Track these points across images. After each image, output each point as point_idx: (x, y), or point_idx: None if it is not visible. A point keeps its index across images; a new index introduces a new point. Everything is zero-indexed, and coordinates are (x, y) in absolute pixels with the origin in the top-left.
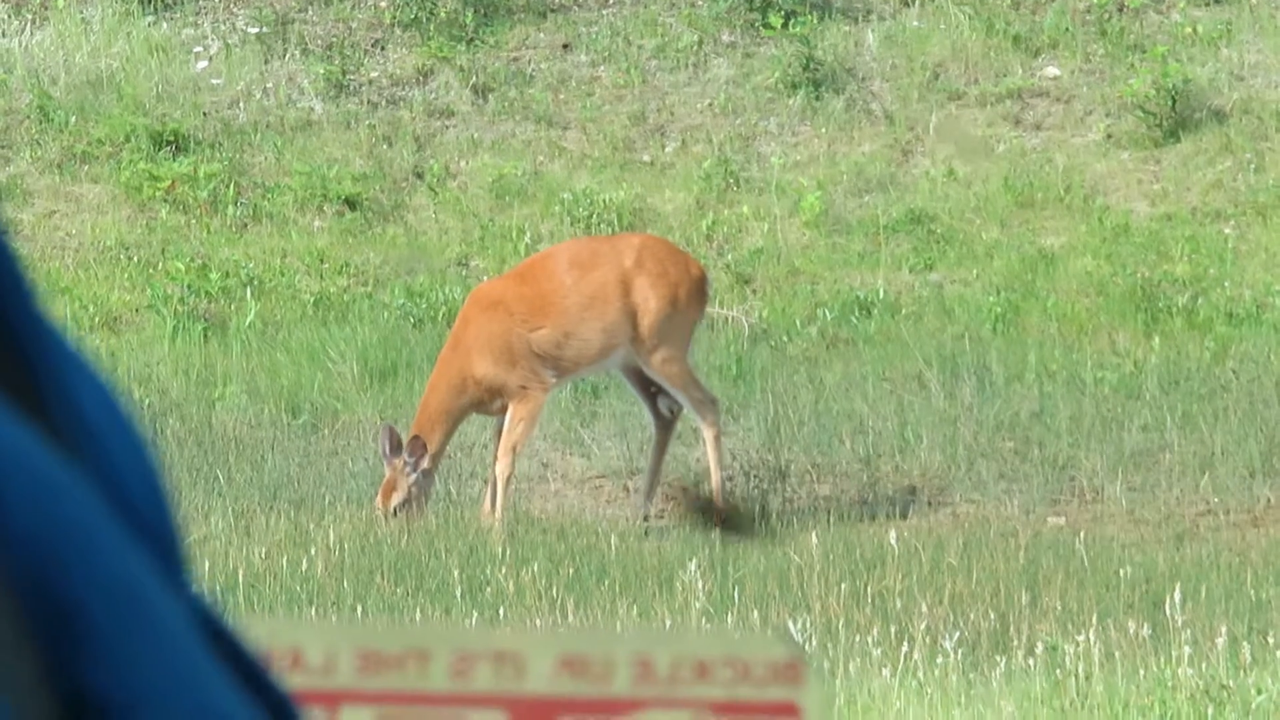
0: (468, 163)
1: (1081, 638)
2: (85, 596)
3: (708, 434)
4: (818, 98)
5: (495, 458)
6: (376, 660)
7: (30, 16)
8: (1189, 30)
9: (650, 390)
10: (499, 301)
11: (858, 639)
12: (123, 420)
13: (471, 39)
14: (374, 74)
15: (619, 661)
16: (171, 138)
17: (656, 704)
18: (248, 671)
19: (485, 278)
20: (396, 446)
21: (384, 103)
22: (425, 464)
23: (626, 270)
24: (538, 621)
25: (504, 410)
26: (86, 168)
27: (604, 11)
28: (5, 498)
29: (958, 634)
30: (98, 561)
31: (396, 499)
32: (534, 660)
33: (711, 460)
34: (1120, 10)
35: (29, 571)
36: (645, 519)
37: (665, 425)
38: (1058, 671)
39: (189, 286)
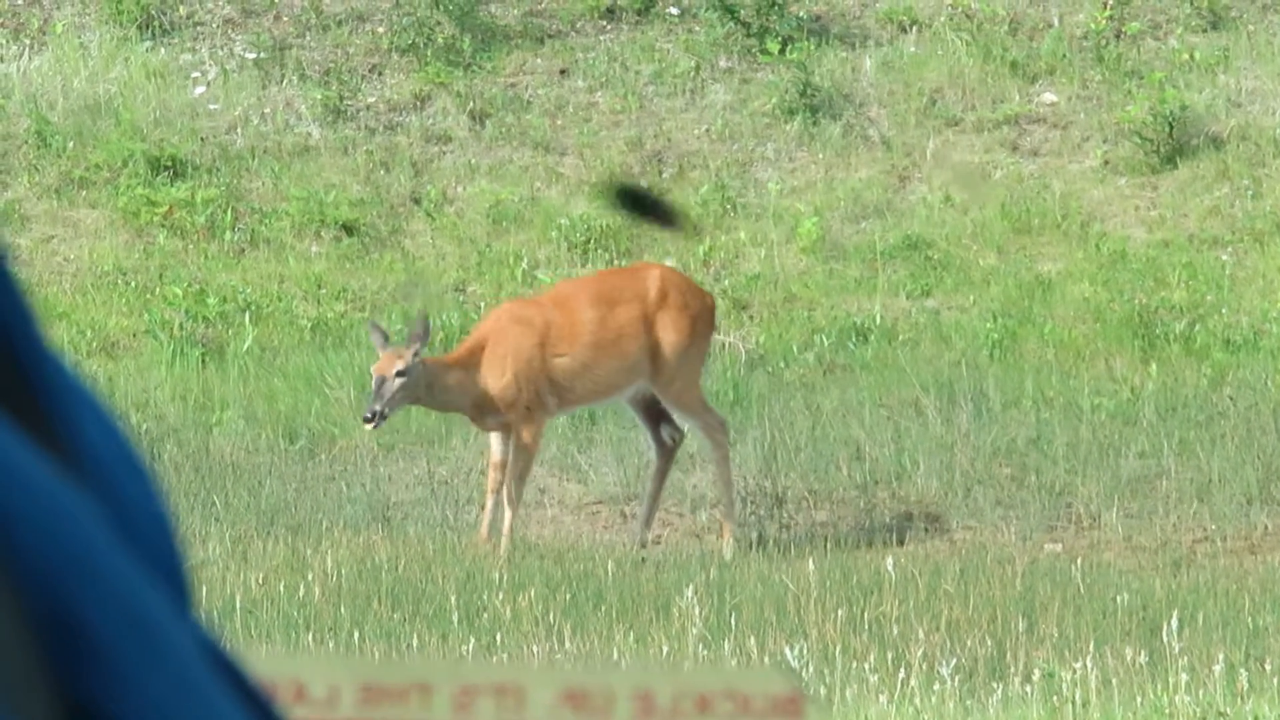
0: (465, 188)
1: (1078, 665)
2: (92, 615)
3: (717, 454)
4: (815, 124)
5: (502, 485)
6: (379, 693)
7: (28, 42)
8: (1186, 57)
9: (654, 418)
10: (531, 321)
11: (855, 665)
12: (125, 448)
13: (469, 64)
14: (371, 99)
15: (619, 694)
16: (169, 163)
17: None
18: (251, 699)
19: (482, 304)
20: (387, 337)
21: (381, 128)
22: (410, 360)
23: (650, 305)
24: (534, 648)
25: (496, 428)
26: (84, 193)
27: (601, 37)
28: (13, 516)
29: (954, 660)
30: (104, 580)
31: (400, 365)
32: (535, 692)
33: (721, 480)
34: (1117, 37)
35: (36, 589)
36: (644, 546)
37: (667, 453)
38: (1054, 699)
39: (187, 312)
